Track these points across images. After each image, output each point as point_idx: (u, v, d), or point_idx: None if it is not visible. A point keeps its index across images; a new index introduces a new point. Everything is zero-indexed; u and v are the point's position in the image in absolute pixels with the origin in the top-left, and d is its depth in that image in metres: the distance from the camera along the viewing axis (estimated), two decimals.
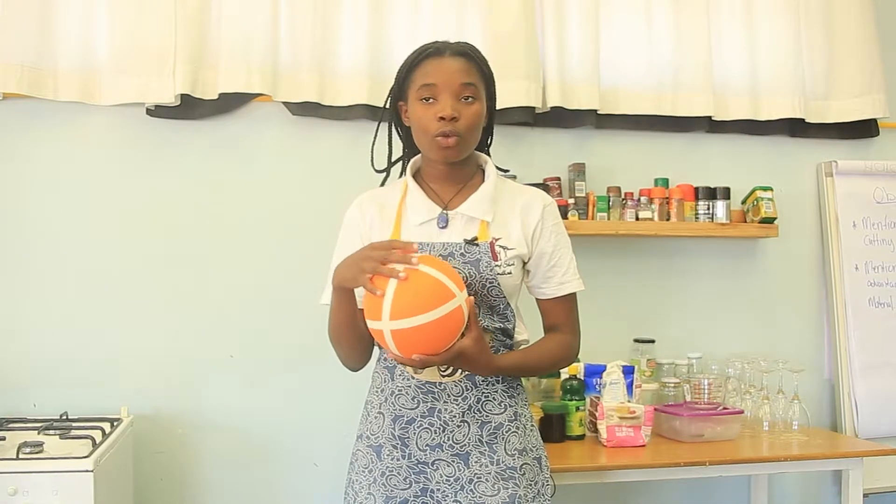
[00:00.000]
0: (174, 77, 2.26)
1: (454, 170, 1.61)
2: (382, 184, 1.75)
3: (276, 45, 2.35)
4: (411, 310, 1.35)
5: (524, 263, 1.62)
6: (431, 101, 1.53)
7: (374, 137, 1.72)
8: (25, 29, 2.20)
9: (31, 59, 2.20)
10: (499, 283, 1.54)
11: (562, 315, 1.65)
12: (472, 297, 1.43)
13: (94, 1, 2.26)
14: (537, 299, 1.67)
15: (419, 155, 1.65)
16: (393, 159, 1.75)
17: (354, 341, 1.58)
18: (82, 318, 2.29)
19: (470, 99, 1.54)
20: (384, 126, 1.72)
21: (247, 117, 2.41)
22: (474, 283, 1.53)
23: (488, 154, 1.72)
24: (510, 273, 1.56)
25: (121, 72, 2.25)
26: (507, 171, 1.79)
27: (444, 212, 1.59)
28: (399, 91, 1.62)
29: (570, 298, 1.65)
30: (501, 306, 1.57)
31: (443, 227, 1.57)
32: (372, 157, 1.73)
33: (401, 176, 1.72)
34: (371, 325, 1.42)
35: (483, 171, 1.65)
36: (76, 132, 2.31)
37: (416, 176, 1.66)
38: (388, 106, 1.68)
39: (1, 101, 2.26)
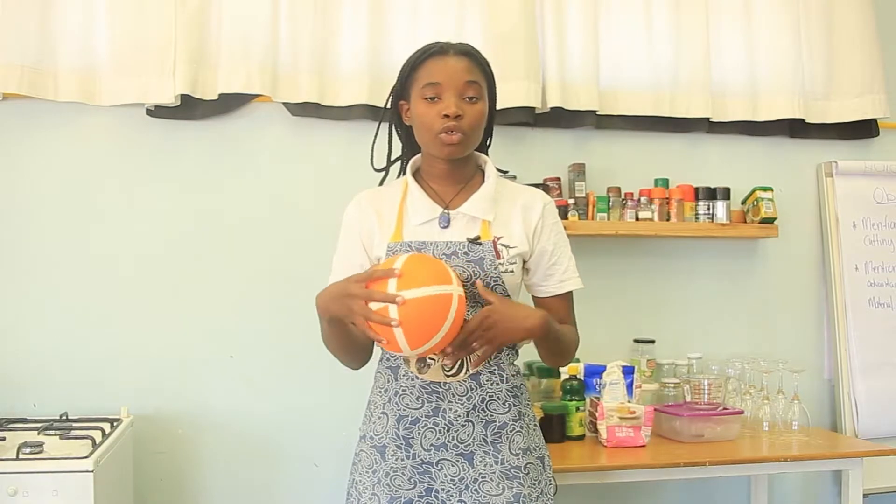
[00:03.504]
0: (174, 77, 2.26)
1: (455, 169, 1.61)
2: (381, 183, 1.75)
3: (276, 46, 2.35)
4: (429, 334, 1.39)
5: (524, 262, 1.62)
6: (435, 99, 1.53)
7: (375, 136, 1.73)
8: (25, 29, 2.20)
9: (31, 59, 2.20)
10: (503, 282, 1.54)
11: (562, 312, 1.65)
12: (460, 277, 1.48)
13: (94, 1, 2.26)
14: (536, 298, 1.67)
15: (419, 154, 1.65)
16: (392, 158, 1.75)
17: (353, 353, 1.61)
18: (82, 318, 2.29)
19: (474, 98, 1.55)
20: (384, 125, 1.72)
21: (247, 118, 2.41)
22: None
23: (487, 155, 1.72)
24: (512, 272, 1.56)
25: (121, 72, 2.25)
26: (506, 171, 1.79)
27: (446, 211, 1.59)
28: (401, 90, 1.62)
29: (570, 296, 1.66)
30: None
31: (444, 227, 1.57)
32: (372, 156, 1.73)
33: (399, 176, 1.72)
34: (395, 353, 1.45)
35: (483, 172, 1.65)
36: (76, 132, 2.31)
37: (416, 175, 1.66)
38: (389, 105, 1.68)
39: (1, 101, 2.26)
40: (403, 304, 1.35)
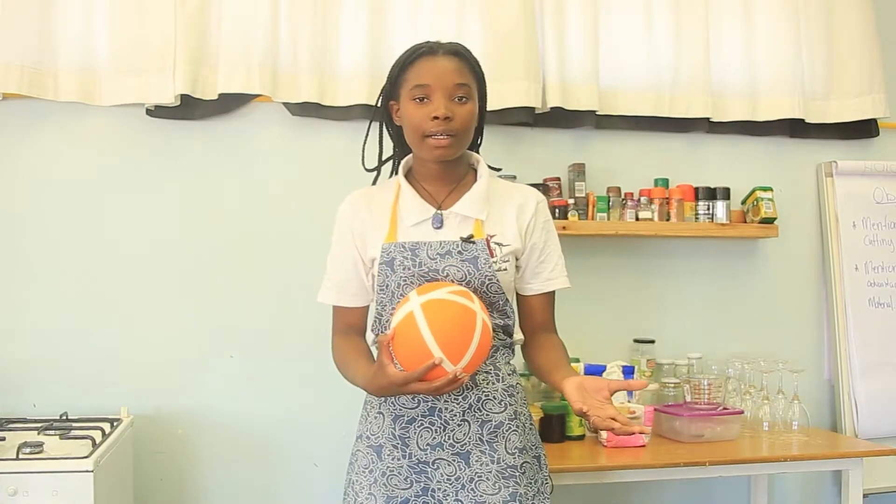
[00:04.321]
0: (174, 77, 2.26)
1: (446, 169, 1.61)
2: (374, 183, 1.75)
3: (276, 46, 2.35)
4: (483, 358, 1.45)
5: (517, 259, 1.62)
6: (425, 100, 1.53)
7: (366, 137, 1.73)
8: (25, 29, 2.20)
9: (31, 59, 2.20)
10: (497, 280, 1.54)
11: (546, 313, 1.66)
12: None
13: (94, 1, 2.26)
14: (522, 297, 1.67)
15: (410, 155, 1.65)
16: (383, 159, 1.75)
17: None
18: (82, 318, 2.29)
19: (463, 99, 1.54)
20: (375, 126, 1.72)
21: (247, 117, 2.41)
22: (473, 281, 1.53)
23: (478, 154, 1.72)
24: (506, 270, 1.56)
25: (121, 72, 2.25)
26: (499, 169, 1.79)
27: (439, 212, 1.59)
28: (391, 90, 1.62)
29: (553, 297, 1.66)
30: (501, 303, 1.57)
31: (438, 228, 1.58)
32: (363, 157, 1.74)
33: (391, 175, 1.72)
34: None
35: (475, 171, 1.66)
36: (76, 132, 2.31)
37: (408, 176, 1.66)
38: (378, 105, 1.68)
39: (1, 101, 2.26)
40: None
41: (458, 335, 1.38)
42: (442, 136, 1.52)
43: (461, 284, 1.51)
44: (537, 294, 1.64)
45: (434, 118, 1.51)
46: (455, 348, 1.38)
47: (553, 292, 1.66)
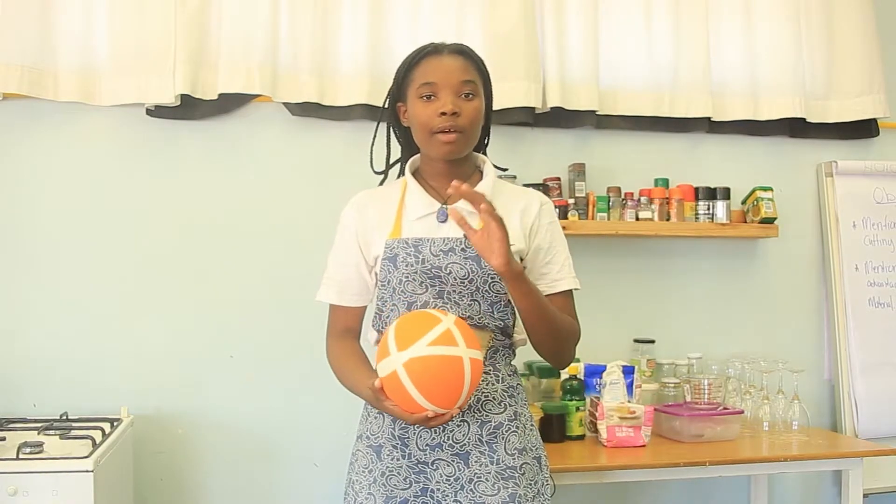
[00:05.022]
0: (174, 77, 2.26)
1: (453, 168, 1.61)
2: (381, 184, 1.75)
3: (276, 46, 2.35)
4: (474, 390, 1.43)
5: (521, 260, 1.61)
6: (432, 98, 1.54)
7: (373, 138, 1.73)
8: (25, 29, 2.20)
9: (31, 59, 2.20)
10: (500, 279, 1.54)
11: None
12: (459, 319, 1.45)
13: (94, 1, 2.26)
14: None
15: (418, 154, 1.66)
16: (391, 161, 1.75)
17: None
18: (82, 318, 2.29)
19: (470, 95, 1.55)
20: (383, 127, 1.73)
21: (247, 118, 2.41)
22: (476, 279, 1.53)
23: (485, 155, 1.72)
24: None
25: (121, 72, 2.25)
26: (505, 169, 1.79)
27: (444, 206, 1.59)
28: (398, 91, 1.63)
29: (566, 296, 1.63)
30: (502, 303, 1.57)
31: (442, 222, 1.58)
32: (371, 159, 1.74)
33: (399, 177, 1.72)
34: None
35: (481, 173, 1.66)
36: (76, 132, 2.31)
37: (415, 174, 1.66)
38: (386, 107, 1.68)
39: (1, 101, 2.26)
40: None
41: (448, 388, 1.37)
42: (450, 133, 1.52)
43: (464, 281, 1.52)
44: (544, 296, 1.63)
45: (441, 114, 1.52)
46: (447, 399, 1.38)
47: (565, 293, 1.63)
